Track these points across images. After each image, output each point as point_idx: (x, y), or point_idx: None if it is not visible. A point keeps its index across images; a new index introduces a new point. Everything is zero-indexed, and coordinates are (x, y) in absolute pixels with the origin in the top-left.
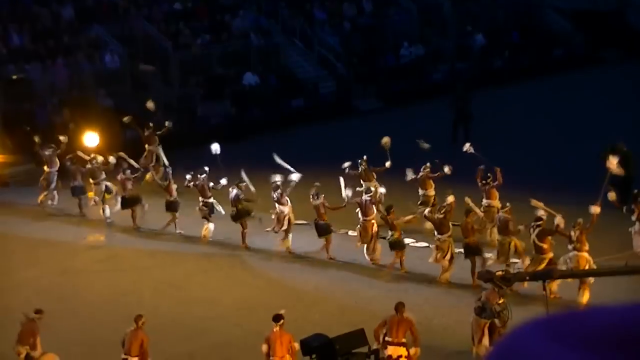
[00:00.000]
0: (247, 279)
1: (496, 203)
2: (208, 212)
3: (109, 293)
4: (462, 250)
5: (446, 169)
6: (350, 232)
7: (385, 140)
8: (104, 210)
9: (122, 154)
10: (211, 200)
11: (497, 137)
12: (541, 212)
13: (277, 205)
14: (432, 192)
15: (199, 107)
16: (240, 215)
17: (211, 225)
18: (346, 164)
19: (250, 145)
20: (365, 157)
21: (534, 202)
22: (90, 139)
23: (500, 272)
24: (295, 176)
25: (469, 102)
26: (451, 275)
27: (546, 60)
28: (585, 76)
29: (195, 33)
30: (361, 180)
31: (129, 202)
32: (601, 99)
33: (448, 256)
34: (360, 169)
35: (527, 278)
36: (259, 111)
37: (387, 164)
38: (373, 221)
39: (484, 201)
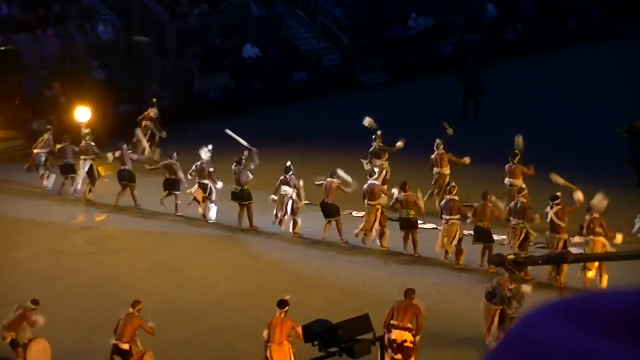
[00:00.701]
0: (246, 261)
1: (519, 182)
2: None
3: (101, 275)
4: (471, 232)
5: (399, 143)
6: (355, 213)
7: (369, 121)
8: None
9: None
10: (207, 181)
11: (508, 113)
12: (558, 192)
13: (282, 186)
14: (447, 170)
15: (196, 80)
16: (246, 196)
17: (212, 206)
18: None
19: (249, 119)
20: (379, 132)
21: (553, 177)
22: (82, 113)
23: (511, 256)
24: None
25: (479, 76)
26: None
27: (561, 32)
28: (601, 49)
29: (193, 2)
30: (372, 157)
31: (127, 178)
32: (617, 72)
33: (455, 241)
34: (373, 145)
35: (540, 262)
36: (259, 85)
37: (399, 143)
38: (378, 206)
39: (507, 180)
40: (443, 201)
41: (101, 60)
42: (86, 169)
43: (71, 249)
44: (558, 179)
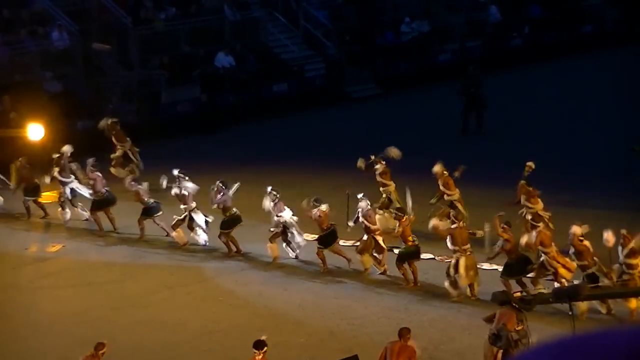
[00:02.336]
0: (219, 295)
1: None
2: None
3: (57, 313)
4: (494, 266)
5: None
6: (342, 242)
7: (395, 152)
8: (64, 213)
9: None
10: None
11: (514, 128)
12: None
13: (275, 215)
14: (456, 194)
15: (163, 92)
16: (232, 222)
17: (202, 235)
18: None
19: (223, 137)
20: (376, 156)
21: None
22: (35, 131)
23: (518, 293)
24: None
25: (481, 86)
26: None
27: (573, 37)
28: (618, 56)
29: (159, 6)
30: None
31: (102, 203)
32: (636, 80)
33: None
34: (377, 167)
35: (551, 299)
36: (234, 98)
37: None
38: (377, 233)
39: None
40: (453, 229)
41: (56, 71)
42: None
43: (24, 283)
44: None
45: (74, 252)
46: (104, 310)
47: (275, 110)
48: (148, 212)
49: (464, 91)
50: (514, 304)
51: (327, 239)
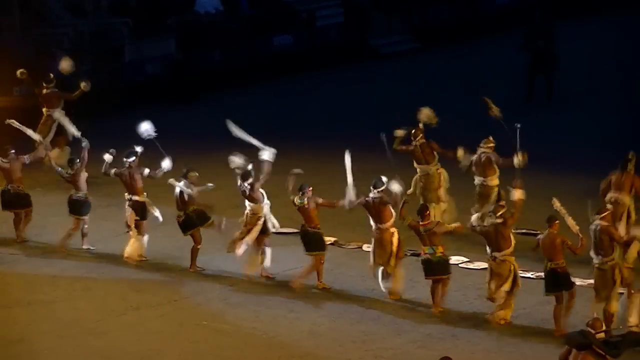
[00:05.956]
0: (202, 319)
1: (627, 199)
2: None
3: None
4: (536, 274)
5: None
6: (366, 247)
7: (427, 113)
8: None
9: (13, 121)
10: (143, 198)
11: (593, 91)
12: None
13: (246, 202)
14: (495, 180)
15: (126, 47)
16: (191, 223)
17: (144, 238)
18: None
19: (206, 106)
20: (421, 125)
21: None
22: None
23: (601, 334)
24: (267, 154)
25: (552, 38)
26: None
27: None
28: None
29: None
30: (414, 161)
31: (11, 202)
32: None
33: (507, 285)
34: (413, 142)
35: None
36: (221, 55)
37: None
38: (392, 229)
39: (611, 194)
40: (486, 226)
41: None
42: None
43: None
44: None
45: (8, 264)
46: (48, 338)
47: (275, 71)
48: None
49: (529, 45)
50: (596, 349)
51: (309, 242)
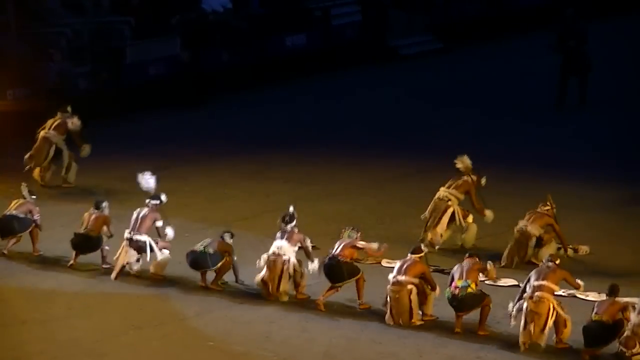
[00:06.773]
0: (205, 339)
1: None
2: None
3: None
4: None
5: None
6: (385, 262)
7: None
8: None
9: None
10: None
11: (630, 95)
12: None
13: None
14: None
15: (128, 48)
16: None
17: (167, 253)
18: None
19: (214, 111)
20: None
21: None
22: None
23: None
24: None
25: (585, 39)
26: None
27: None
28: None
29: None
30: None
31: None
32: None
33: (550, 322)
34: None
35: None
36: (229, 55)
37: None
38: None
39: None
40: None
41: None
42: None
43: None
44: None
45: (3, 277)
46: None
47: (287, 73)
48: None
49: (560, 46)
50: None
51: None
